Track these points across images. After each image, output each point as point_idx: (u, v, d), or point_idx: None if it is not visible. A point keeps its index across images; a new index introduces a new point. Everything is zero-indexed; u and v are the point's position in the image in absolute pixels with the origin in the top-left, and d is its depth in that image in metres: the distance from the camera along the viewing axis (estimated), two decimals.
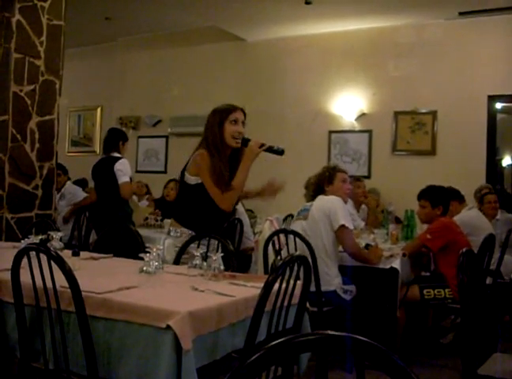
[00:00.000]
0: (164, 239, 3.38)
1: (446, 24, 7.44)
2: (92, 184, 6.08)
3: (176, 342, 2.03)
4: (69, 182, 6.92)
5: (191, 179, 3.31)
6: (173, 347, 2.03)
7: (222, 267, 2.77)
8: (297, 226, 4.28)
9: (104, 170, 5.30)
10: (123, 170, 5.20)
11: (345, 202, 4.38)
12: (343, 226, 4.09)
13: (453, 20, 7.35)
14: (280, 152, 3.29)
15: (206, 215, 3.35)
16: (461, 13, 7.20)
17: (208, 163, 3.23)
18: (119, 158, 5.29)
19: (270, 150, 3.27)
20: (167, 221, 5.98)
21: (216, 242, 3.37)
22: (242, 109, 3.40)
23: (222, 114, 3.34)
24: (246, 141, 3.29)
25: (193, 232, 3.33)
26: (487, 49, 7.21)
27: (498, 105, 7.36)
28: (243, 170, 3.26)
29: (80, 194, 6.81)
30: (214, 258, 2.74)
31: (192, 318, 2.09)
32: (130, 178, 5.28)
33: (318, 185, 4.35)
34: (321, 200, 4.25)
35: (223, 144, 3.31)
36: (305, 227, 4.19)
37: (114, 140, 5.41)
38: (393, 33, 7.72)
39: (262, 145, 3.24)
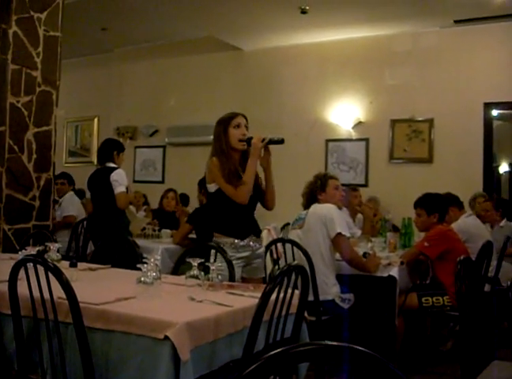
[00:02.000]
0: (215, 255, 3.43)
1: (442, 32, 7.48)
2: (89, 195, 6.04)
3: (174, 353, 2.03)
4: (70, 193, 6.80)
5: (211, 187, 3.57)
6: (171, 358, 2.03)
7: (220, 277, 2.78)
8: (293, 235, 4.27)
9: (100, 180, 5.29)
10: (119, 180, 5.18)
11: (339, 208, 4.37)
12: (339, 234, 4.08)
13: (449, 28, 7.39)
14: (281, 142, 3.54)
15: (235, 216, 3.56)
16: (456, 21, 7.24)
17: (218, 166, 3.48)
18: (115, 168, 5.28)
19: (271, 142, 3.53)
20: (165, 231, 6.00)
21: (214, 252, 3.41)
22: (243, 114, 3.64)
23: (225, 122, 3.58)
24: (249, 140, 3.52)
25: (234, 239, 3.52)
26: (483, 56, 7.24)
27: (495, 112, 7.38)
28: (250, 165, 3.51)
29: (70, 209, 6.61)
30: (212, 268, 2.75)
31: (190, 329, 2.09)
32: (127, 188, 5.26)
33: (311, 194, 4.34)
34: (315, 208, 4.25)
35: (230, 148, 3.54)
36: (301, 236, 4.18)
37: (108, 150, 5.39)
38: (389, 42, 7.75)
39: (263, 140, 3.49)
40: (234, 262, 3.38)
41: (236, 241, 3.52)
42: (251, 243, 3.58)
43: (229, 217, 3.58)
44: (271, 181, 3.64)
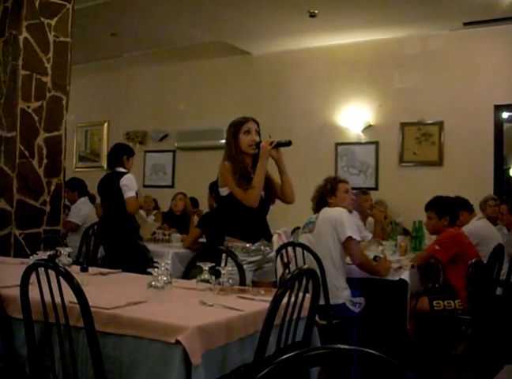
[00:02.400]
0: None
1: (451, 35, 7.45)
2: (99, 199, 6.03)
3: (186, 357, 2.02)
4: (82, 199, 6.69)
5: (223, 191, 3.60)
6: (182, 362, 2.03)
7: (231, 281, 2.78)
8: (303, 239, 4.27)
9: (110, 185, 5.30)
10: (129, 185, 5.19)
11: (350, 212, 4.37)
12: (350, 237, 4.08)
13: (458, 30, 7.36)
14: (288, 144, 3.60)
15: (246, 219, 3.59)
16: (465, 24, 7.20)
17: (229, 169, 3.52)
18: (125, 173, 5.29)
19: (279, 145, 3.59)
20: (176, 235, 6.01)
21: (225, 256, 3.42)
22: (254, 119, 3.67)
23: (236, 127, 3.61)
24: (258, 144, 3.57)
25: (246, 243, 3.54)
26: (493, 59, 7.21)
27: (505, 114, 7.33)
28: (260, 168, 3.53)
29: (74, 215, 6.52)
30: (223, 272, 2.75)
31: (201, 333, 2.09)
32: (136, 193, 5.27)
33: (321, 198, 4.34)
34: (325, 212, 4.24)
35: (240, 152, 3.58)
36: (311, 240, 4.18)
37: (118, 155, 5.41)
38: (398, 45, 7.73)
39: (271, 143, 3.53)
40: (245, 266, 3.39)
41: (248, 245, 3.53)
42: (262, 247, 3.58)
43: (240, 221, 3.60)
44: (285, 172, 3.68)
